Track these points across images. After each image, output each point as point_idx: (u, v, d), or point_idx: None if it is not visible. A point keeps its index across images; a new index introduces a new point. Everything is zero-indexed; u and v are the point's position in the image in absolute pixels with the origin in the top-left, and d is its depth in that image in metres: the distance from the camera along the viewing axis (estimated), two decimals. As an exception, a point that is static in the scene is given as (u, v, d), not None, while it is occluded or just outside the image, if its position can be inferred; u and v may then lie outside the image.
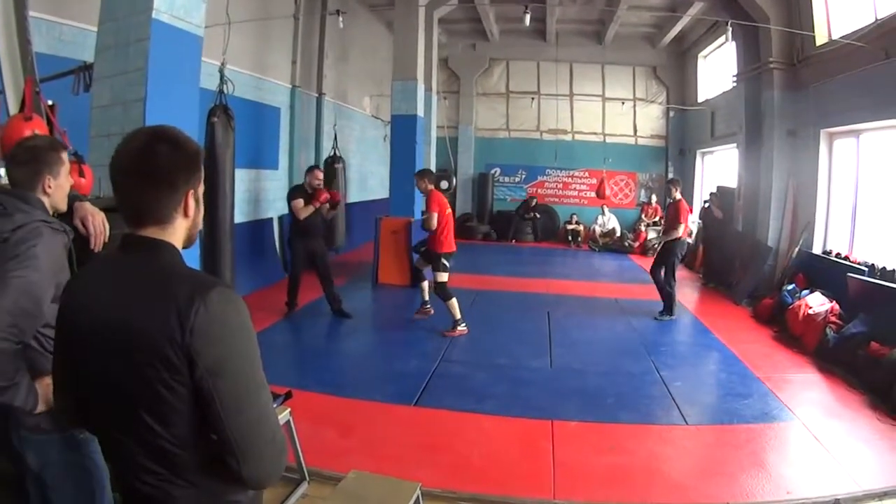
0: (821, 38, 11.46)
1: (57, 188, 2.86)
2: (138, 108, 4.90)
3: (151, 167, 1.75)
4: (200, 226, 1.97)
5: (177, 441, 1.71)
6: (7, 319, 2.39)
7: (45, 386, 2.58)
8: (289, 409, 4.49)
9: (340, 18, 13.05)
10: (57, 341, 1.97)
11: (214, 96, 7.91)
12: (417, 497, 3.69)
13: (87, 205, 3.23)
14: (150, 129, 1.84)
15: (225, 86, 7.93)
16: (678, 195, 10.94)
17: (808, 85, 11.97)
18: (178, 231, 1.86)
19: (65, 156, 2.95)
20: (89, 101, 5.25)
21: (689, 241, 10.66)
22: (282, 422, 4.24)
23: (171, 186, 1.79)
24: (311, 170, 9.73)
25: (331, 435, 5.74)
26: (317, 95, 14.94)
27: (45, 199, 2.81)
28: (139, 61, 4.91)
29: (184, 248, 1.90)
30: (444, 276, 9.38)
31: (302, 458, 4.78)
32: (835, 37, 10.89)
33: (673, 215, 10.84)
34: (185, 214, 1.86)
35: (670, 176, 12.79)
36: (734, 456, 5.70)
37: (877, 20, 9.74)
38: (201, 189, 1.91)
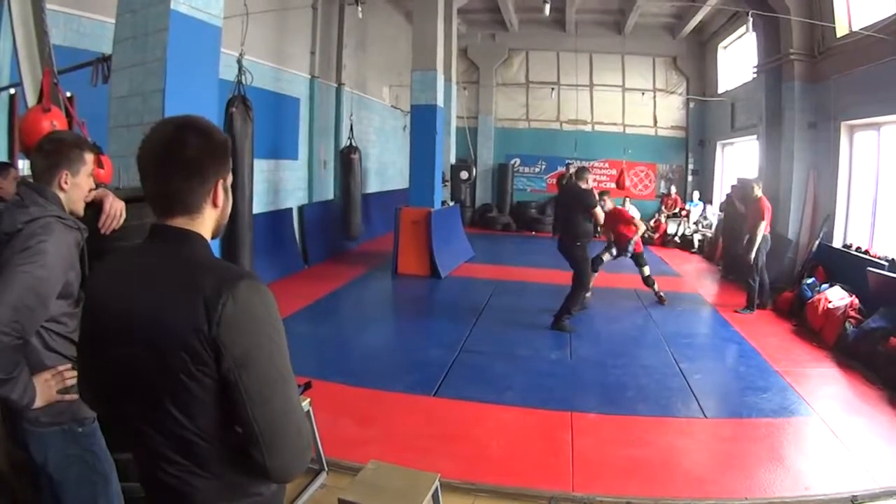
0: (841, 30, 11.35)
1: (74, 186, 2.83)
2: (157, 99, 4.90)
3: (182, 156, 1.74)
4: (228, 216, 1.96)
5: (201, 433, 1.70)
6: (9, 315, 2.38)
7: (42, 382, 2.59)
8: (308, 400, 4.49)
9: (359, 8, 13.08)
10: (82, 331, 1.97)
11: (233, 87, 7.93)
12: (436, 488, 3.69)
13: (111, 192, 3.24)
14: (178, 118, 1.82)
15: (243, 76, 7.94)
16: (759, 192, 10.79)
17: (829, 77, 11.86)
18: (207, 221, 1.85)
19: (89, 157, 2.91)
20: (107, 93, 5.27)
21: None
22: (302, 412, 4.26)
23: (202, 176, 1.79)
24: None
25: (350, 425, 5.76)
26: (336, 86, 14.99)
27: (62, 196, 2.79)
28: (158, 52, 4.91)
29: (212, 238, 1.89)
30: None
31: (321, 449, 4.80)
32: (855, 28, 10.80)
33: (755, 214, 10.72)
34: (215, 204, 1.85)
35: (754, 175, 12.66)
36: (752, 450, 5.66)
37: (898, 11, 9.63)
38: (230, 179, 1.90)
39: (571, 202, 9.46)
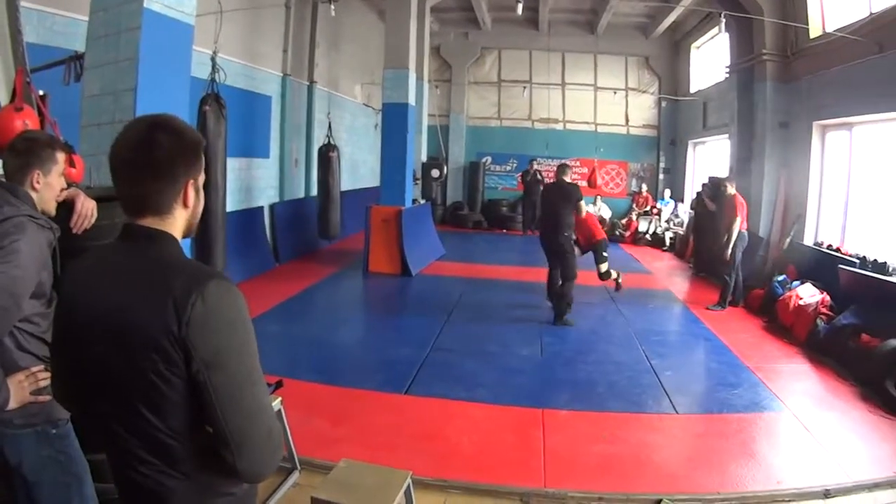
0: (815, 31, 11.53)
1: (46, 186, 2.84)
2: (129, 98, 4.87)
3: (152, 157, 1.74)
4: (199, 216, 1.96)
5: (172, 433, 1.71)
6: None
7: (16, 383, 2.58)
8: (280, 399, 4.51)
9: (332, 7, 13.03)
10: (55, 331, 1.98)
11: (206, 85, 7.89)
12: (408, 485, 3.72)
13: (83, 192, 3.23)
14: (150, 118, 1.82)
15: (217, 74, 7.91)
16: (733, 190, 10.95)
17: (801, 77, 12.04)
18: (178, 221, 1.86)
19: (60, 156, 2.91)
20: (80, 91, 5.23)
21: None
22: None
23: (171, 177, 1.79)
24: None
25: (322, 424, 5.76)
26: (308, 84, 14.92)
27: (34, 195, 2.79)
28: (130, 50, 4.88)
29: (183, 238, 1.89)
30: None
31: (293, 447, 4.81)
32: (829, 30, 10.95)
33: (730, 211, 10.85)
34: (185, 205, 1.85)
35: (726, 174, 12.83)
36: (724, 445, 5.75)
37: (871, 14, 9.81)
38: (202, 179, 1.91)
39: (558, 197, 9.73)
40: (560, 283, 9.82)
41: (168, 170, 1.78)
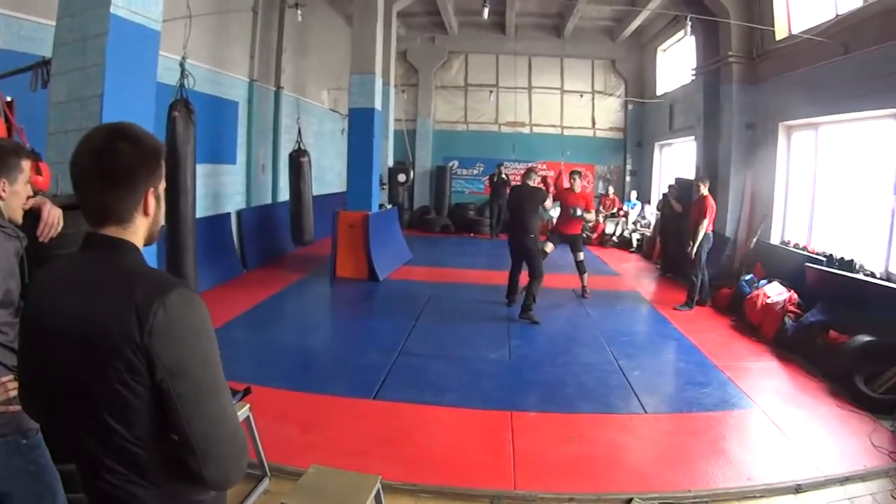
0: (781, 33, 11.72)
1: (12, 194, 2.81)
2: (95, 105, 4.83)
3: (111, 167, 1.75)
4: (162, 223, 1.97)
5: (138, 441, 1.71)
6: None
7: None
8: (248, 406, 4.51)
9: (299, 12, 13.05)
10: (21, 340, 1.97)
11: (175, 91, 7.83)
12: (378, 490, 3.73)
13: (49, 200, 3.21)
14: (110, 126, 1.83)
15: (186, 80, 7.85)
16: (705, 191, 11.08)
17: (767, 79, 12.24)
18: (139, 230, 1.86)
19: (26, 164, 2.88)
20: (46, 97, 5.19)
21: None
22: (241, 418, 4.25)
23: (131, 186, 1.79)
24: None
25: (291, 430, 5.74)
26: (275, 89, 14.85)
27: (0, 204, 2.78)
28: (97, 57, 4.84)
29: (145, 245, 1.89)
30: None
31: (263, 455, 4.79)
32: (795, 31, 11.14)
33: (698, 211, 10.97)
34: (146, 213, 1.85)
35: (700, 174, 12.99)
36: (694, 444, 5.82)
37: (837, 16, 9.98)
38: (162, 186, 1.90)
39: (525, 201, 10.16)
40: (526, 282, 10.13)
41: (128, 178, 1.78)
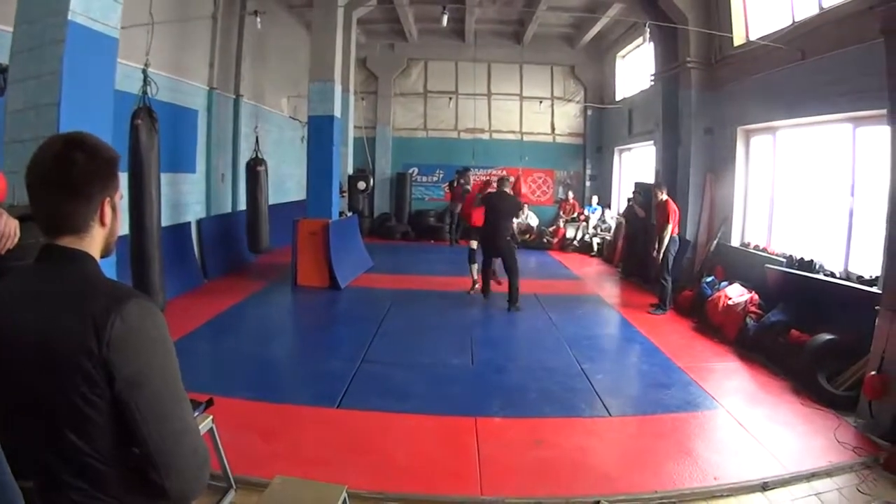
0: (739, 39, 11.92)
1: None
2: (52, 113, 4.77)
3: (66, 177, 1.73)
4: (118, 233, 1.95)
5: (99, 456, 1.69)
6: None
7: None
8: (211, 417, 4.46)
9: (258, 19, 12.99)
10: None
11: (135, 99, 7.74)
12: (344, 499, 3.73)
13: (5, 211, 3.15)
14: (65, 136, 1.81)
15: (149, 87, 7.76)
16: (664, 196, 11.24)
17: (726, 84, 12.43)
18: (96, 240, 1.85)
19: None
20: (2, 106, 5.11)
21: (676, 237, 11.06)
22: (204, 430, 4.22)
23: (87, 196, 1.78)
24: None
25: (255, 441, 5.69)
26: (234, 97, 14.73)
27: None
28: (54, 64, 4.78)
29: (102, 257, 1.88)
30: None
31: (227, 466, 4.73)
32: (752, 38, 11.31)
33: (662, 216, 11.11)
34: (102, 223, 1.84)
35: (657, 180, 13.14)
36: (660, 445, 5.89)
37: (794, 22, 10.17)
38: (118, 196, 1.89)
39: (505, 208, 11.18)
40: (507, 276, 11.20)
41: (84, 188, 1.77)
